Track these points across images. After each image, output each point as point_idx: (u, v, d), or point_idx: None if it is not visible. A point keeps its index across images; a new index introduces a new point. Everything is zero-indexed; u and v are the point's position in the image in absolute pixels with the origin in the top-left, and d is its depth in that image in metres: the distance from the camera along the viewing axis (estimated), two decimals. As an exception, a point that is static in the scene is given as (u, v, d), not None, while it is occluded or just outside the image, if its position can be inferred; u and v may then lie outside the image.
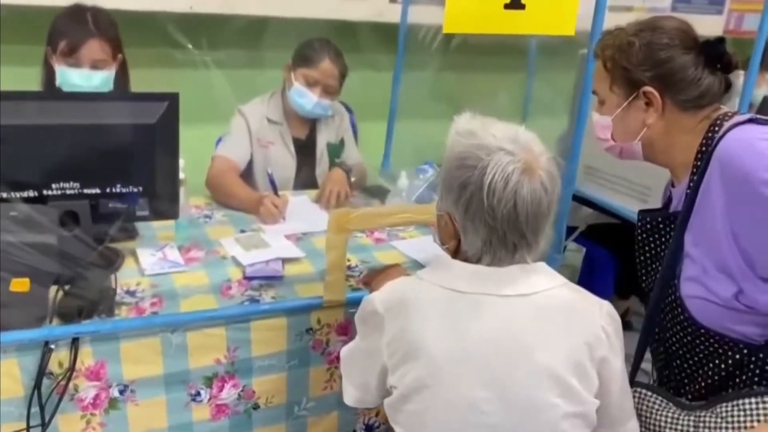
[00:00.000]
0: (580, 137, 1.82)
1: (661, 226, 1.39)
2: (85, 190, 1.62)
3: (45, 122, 1.54)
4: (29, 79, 2.00)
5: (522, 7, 1.57)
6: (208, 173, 2.30)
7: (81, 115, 1.59)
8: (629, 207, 2.13)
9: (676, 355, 1.36)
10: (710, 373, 1.30)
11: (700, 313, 1.27)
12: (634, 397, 1.35)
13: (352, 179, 2.37)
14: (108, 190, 1.65)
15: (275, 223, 2.07)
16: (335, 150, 2.52)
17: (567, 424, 1.13)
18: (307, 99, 2.33)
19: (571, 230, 2.83)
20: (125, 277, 1.66)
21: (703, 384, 1.32)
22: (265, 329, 1.57)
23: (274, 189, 2.17)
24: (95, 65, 1.92)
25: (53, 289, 1.49)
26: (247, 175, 2.40)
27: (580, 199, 2.44)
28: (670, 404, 1.33)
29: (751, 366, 1.25)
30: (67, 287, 1.50)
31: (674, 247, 1.31)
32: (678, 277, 1.30)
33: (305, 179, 2.48)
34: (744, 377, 1.26)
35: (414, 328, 1.16)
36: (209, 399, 1.58)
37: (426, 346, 1.14)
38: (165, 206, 1.74)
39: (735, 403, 1.24)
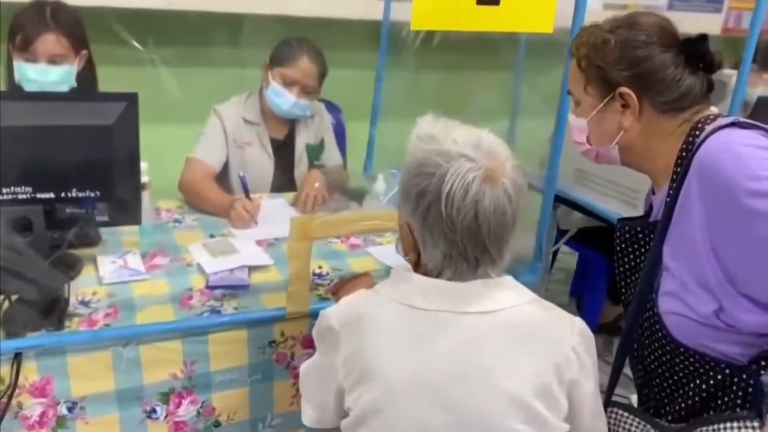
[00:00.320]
0: (561, 138, 1.74)
1: (640, 236, 1.30)
2: (39, 195, 1.55)
3: (-7, 124, 1.46)
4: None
5: (496, 2, 1.48)
6: (181, 176, 2.23)
7: (33, 116, 1.51)
8: (619, 212, 2.06)
9: (655, 373, 1.28)
10: (690, 393, 1.22)
11: (678, 330, 1.18)
12: (609, 418, 1.27)
13: (331, 182, 2.29)
14: (63, 194, 1.57)
15: (246, 227, 2.00)
16: (314, 151, 2.44)
17: (532, 452, 1.05)
18: (284, 99, 2.25)
19: (562, 234, 2.76)
20: (82, 286, 1.58)
21: (683, 405, 1.24)
22: (225, 342, 1.49)
23: (246, 192, 2.09)
24: (52, 60, 1.86)
25: (-1, 299, 1.41)
26: (223, 177, 2.32)
27: (570, 203, 2.37)
28: (648, 426, 1.25)
29: (734, 387, 1.16)
30: (14, 297, 1.42)
31: (652, 260, 1.23)
32: (656, 291, 1.22)
33: (283, 181, 2.40)
34: (726, 399, 1.18)
35: (369, 348, 1.08)
36: (166, 416, 1.50)
37: (380, 367, 1.06)
38: (126, 211, 1.68)
39: (716, 426, 1.15)
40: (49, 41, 1.85)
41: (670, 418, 1.27)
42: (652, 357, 1.26)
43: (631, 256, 1.33)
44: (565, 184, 2.29)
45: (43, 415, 1.38)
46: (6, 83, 1.95)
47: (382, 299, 1.12)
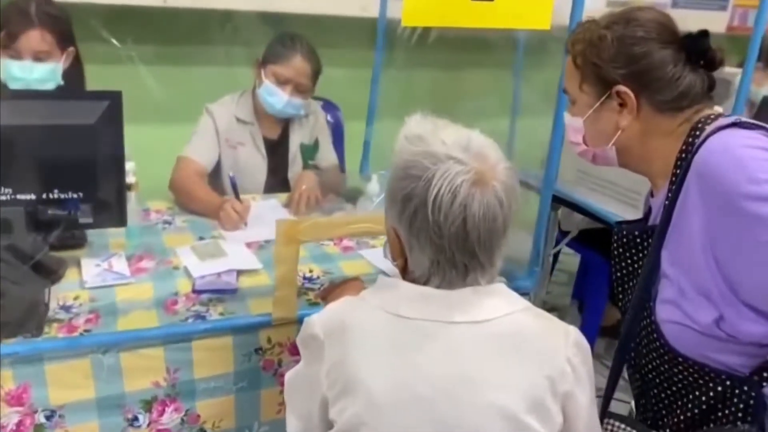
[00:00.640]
0: (559, 139, 1.68)
1: (638, 240, 1.25)
2: (19, 196, 1.51)
3: (-31, 123, 1.42)
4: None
5: (491, -2, 1.43)
6: (171, 175, 2.18)
7: (12, 115, 1.46)
8: (621, 214, 2.01)
9: (652, 383, 1.23)
10: (690, 405, 1.17)
11: (677, 339, 1.13)
12: (606, 430, 1.22)
13: (326, 182, 2.24)
14: (45, 195, 1.53)
15: (236, 229, 1.95)
16: (309, 151, 2.39)
17: (523, 468, 1.00)
18: (277, 98, 2.21)
19: (563, 236, 2.71)
20: (64, 290, 1.54)
21: (682, 417, 1.19)
22: (209, 349, 1.45)
23: (236, 193, 2.04)
24: (37, 57, 1.82)
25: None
26: (215, 177, 2.27)
27: (571, 205, 2.32)
28: (645, 439, 1.20)
29: (735, 399, 1.11)
30: (-9, 303, 1.38)
31: (650, 266, 1.18)
32: (654, 299, 1.17)
33: (277, 182, 2.36)
34: (727, 411, 1.13)
35: (352, 359, 1.03)
36: (149, 424, 1.45)
37: (364, 380, 1.01)
38: (110, 212, 1.63)
39: (717, 440, 1.11)
40: (34, 38, 1.81)
41: (668, 430, 1.22)
42: (650, 367, 1.21)
43: (629, 261, 1.28)
44: (566, 185, 2.25)
45: (20, 423, 1.34)
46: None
47: (368, 307, 1.07)
